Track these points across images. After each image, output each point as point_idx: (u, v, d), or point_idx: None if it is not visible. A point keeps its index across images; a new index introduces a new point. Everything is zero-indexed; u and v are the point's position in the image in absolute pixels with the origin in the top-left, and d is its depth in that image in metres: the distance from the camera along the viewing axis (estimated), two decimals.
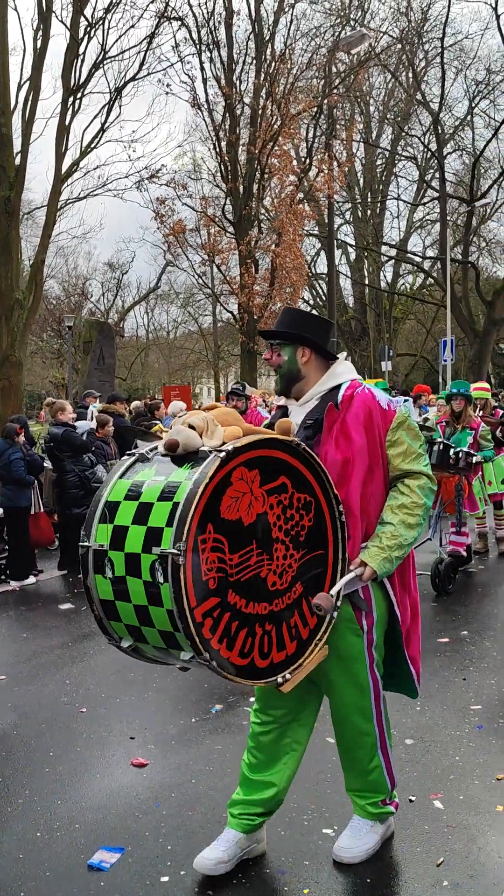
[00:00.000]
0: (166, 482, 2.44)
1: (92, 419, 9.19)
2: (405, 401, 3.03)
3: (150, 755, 3.94)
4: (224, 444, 2.43)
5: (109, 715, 4.48)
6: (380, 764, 2.99)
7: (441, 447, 6.77)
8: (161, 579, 2.30)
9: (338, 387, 2.82)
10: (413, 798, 3.44)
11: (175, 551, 2.24)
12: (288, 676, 2.58)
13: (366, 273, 35.00)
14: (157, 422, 10.44)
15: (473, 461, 6.82)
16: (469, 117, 28.89)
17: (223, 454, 2.35)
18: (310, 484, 2.64)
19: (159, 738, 4.16)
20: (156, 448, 2.60)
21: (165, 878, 2.92)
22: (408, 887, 2.84)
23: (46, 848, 3.16)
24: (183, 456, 2.47)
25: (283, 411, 2.96)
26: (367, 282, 34.44)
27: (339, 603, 2.67)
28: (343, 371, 2.87)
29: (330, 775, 3.64)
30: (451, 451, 6.75)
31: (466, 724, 4.18)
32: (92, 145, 17.39)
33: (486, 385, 9.35)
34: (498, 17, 24.09)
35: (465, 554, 7.48)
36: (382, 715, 2.99)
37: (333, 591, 2.64)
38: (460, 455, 6.73)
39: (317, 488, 2.66)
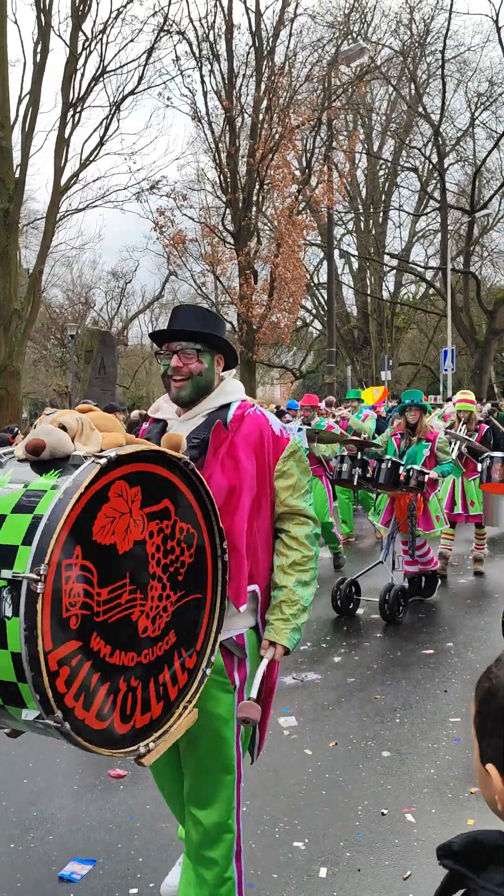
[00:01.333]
0: (25, 490, 1.91)
1: None
2: (299, 429, 2.75)
3: (128, 766, 3.96)
4: (103, 451, 1.97)
5: None
6: (233, 876, 2.39)
7: (390, 465, 6.38)
8: (8, 612, 1.76)
9: (227, 405, 2.46)
10: (385, 811, 3.46)
11: (33, 576, 1.71)
12: (151, 746, 2.05)
13: (368, 283, 35.10)
14: None
15: (426, 479, 6.35)
16: (470, 128, 29.04)
17: (103, 461, 1.88)
18: (193, 512, 2.21)
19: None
20: (12, 452, 2.12)
21: (135, 891, 2.94)
22: None
23: (19, 859, 3.19)
24: (48, 461, 1.98)
25: (163, 426, 2.52)
26: (369, 291, 34.54)
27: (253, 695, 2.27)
28: (234, 389, 2.52)
29: (305, 787, 3.67)
30: (402, 468, 6.36)
31: (444, 737, 4.19)
32: (91, 158, 17.53)
33: (471, 396, 8.61)
34: (499, 29, 24.24)
35: (423, 577, 7.02)
36: (240, 810, 2.46)
37: (253, 695, 2.25)
38: (411, 473, 6.31)
39: (200, 518, 2.23)
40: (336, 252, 29.96)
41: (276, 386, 48.99)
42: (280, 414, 14.26)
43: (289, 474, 2.48)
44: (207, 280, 24.10)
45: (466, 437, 7.73)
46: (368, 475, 6.58)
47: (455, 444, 7.70)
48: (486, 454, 6.66)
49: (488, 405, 15.53)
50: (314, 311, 34.90)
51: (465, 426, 7.96)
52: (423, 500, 6.69)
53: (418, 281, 35.23)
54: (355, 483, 6.61)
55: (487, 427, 8.24)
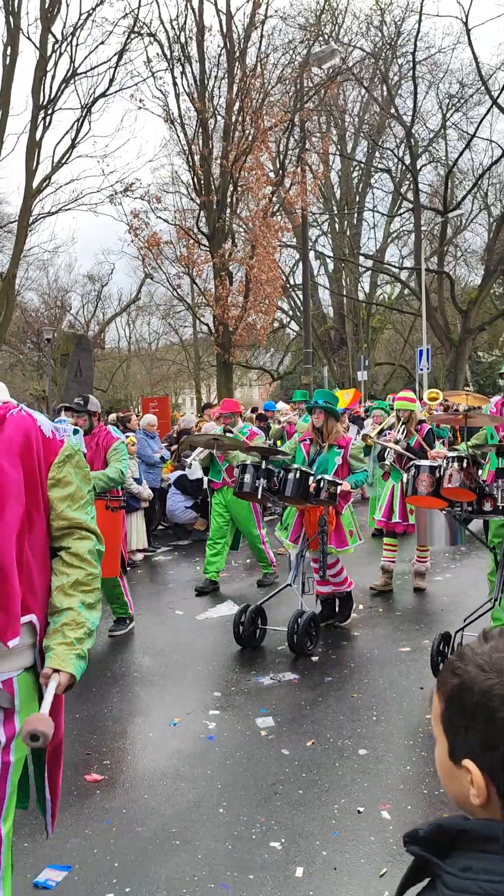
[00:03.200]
0: None
1: None
2: (75, 432, 2.23)
3: (104, 771, 3.94)
4: None
5: (65, 731, 4.46)
6: None
7: (298, 475, 5.66)
8: None
9: None
10: (361, 809, 3.47)
11: None
12: None
13: (344, 284, 35.24)
14: (131, 434, 10.45)
15: (338, 490, 5.68)
16: (442, 130, 29.26)
17: None
18: None
19: (115, 753, 4.16)
20: None
21: (110, 895, 2.93)
22: None
23: None
24: None
25: None
26: (344, 292, 34.67)
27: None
28: None
29: (282, 787, 3.67)
30: (311, 478, 5.69)
31: (420, 734, 4.22)
32: (63, 161, 17.44)
33: (411, 395, 7.69)
34: (468, 31, 24.44)
35: (336, 598, 6.38)
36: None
37: (45, 710, 1.89)
38: (322, 484, 5.63)
39: None
40: (311, 253, 30.07)
41: (255, 387, 49.04)
42: (260, 417, 14.18)
43: (65, 482, 2.16)
44: (183, 282, 24.06)
45: (395, 443, 7.07)
46: (275, 487, 5.80)
47: (388, 451, 7.10)
48: (412, 462, 5.56)
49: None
50: (290, 313, 34.96)
51: (404, 427, 7.20)
52: (336, 514, 5.98)
53: (393, 281, 35.41)
54: (259, 496, 5.83)
55: (429, 427, 7.31)
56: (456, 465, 4.86)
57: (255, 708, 4.69)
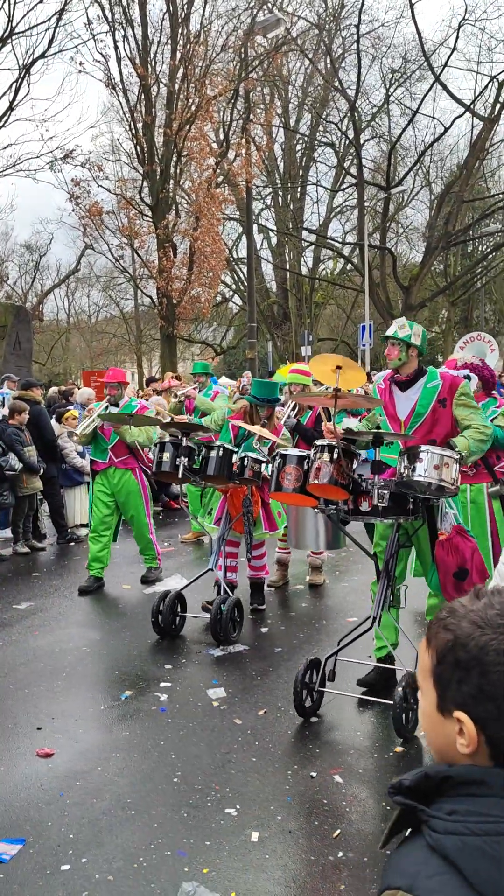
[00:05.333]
0: None
1: (4, 405, 8.97)
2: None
3: (57, 744, 3.92)
4: None
5: (16, 707, 4.42)
6: None
7: (221, 452, 5.27)
8: None
9: None
10: (314, 774, 3.54)
11: None
12: None
13: (287, 258, 35.18)
14: (71, 407, 10.28)
15: (263, 469, 5.28)
16: (385, 105, 29.31)
17: None
18: None
19: (67, 727, 4.13)
20: None
21: (66, 867, 2.92)
22: (305, 860, 2.93)
23: None
24: None
25: None
26: (288, 267, 34.63)
27: None
28: None
29: (235, 755, 3.71)
30: (235, 456, 5.32)
31: (369, 701, 4.31)
32: (0, 124, 16.85)
33: (305, 367, 6.61)
34: (412, 5, 24.43)
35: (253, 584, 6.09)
36: None
37: None
38: (245, 462, 5.26)
39: None
40: (255, 227, 29.88)
41: (198, 362, 48.70)
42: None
43: None
44: (125, 254, 23.65)
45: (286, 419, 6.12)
46: (196, 466, 5.35)
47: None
48: (276, 451, 4.47)
49: None
50: (234, 287, 34.77)
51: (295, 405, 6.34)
52: (261, 496, 5.70)
53: (336, 257, 35.52)
54: (180, 475, 5.30)
55: (322, 408, 5.92)
56: (325, 455, 3.95)
57: (206, 679, 4.72)
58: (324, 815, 3.20)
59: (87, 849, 3.02)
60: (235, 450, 5.39)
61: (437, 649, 1.03)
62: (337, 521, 4.30)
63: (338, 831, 3.08)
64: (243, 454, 5.31)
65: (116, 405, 6.81)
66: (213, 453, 5.27)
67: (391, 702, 3.87)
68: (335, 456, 3.93)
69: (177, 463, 5.30)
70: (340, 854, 2.93)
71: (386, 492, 3.90)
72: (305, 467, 4.11)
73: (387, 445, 4.32)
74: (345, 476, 3.93)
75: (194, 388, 8.39)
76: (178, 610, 5.57)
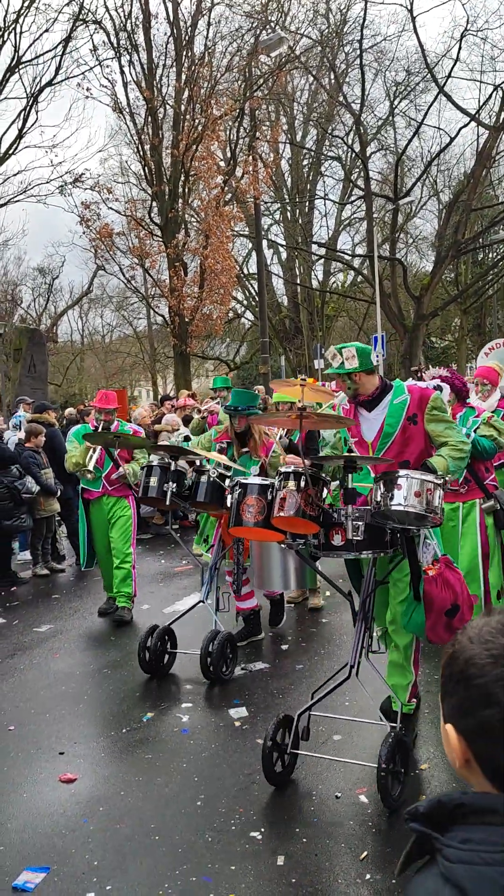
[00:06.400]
0: None
1: (20, 429, 9.02)
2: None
3: (79, 769, 3.90)
4: None
5: (39, 731, 4.41)
6: None
7: (210, 477, 4.86)
8: None
9: None
10: (339, 794, 3.50)
11: None
12: None
13: (297, 272, 35.27)
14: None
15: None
16: (390, 117, 29.42)
17: None
18: None
19: (89, 751, 4.12)
20: None
21: (91, 895, 2.90)
22: (332, 883, 2.88)
23: None
24: None
25: None
26: (298, 281, 34.72)
27: None
28: None
29: (258, 777, 3.67)
30: (227, 482, 4.80)
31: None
32: (10, 151, 17.09)
33: (290, 387, 5.63)
34: (414, 19, 24.57)
35: (253, 613, 5.72)
36: None
37: None
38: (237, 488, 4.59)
39: None
40: (264, 242, 30.02)
41: (212, 378, 48.84)
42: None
43: None
44: (136, 273, 23.82)
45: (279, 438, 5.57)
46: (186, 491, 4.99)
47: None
48: (235, 481, 4.07)
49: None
50: (245, 302, 34.91)
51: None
52: None
53: (346, 269, 35.57)
54: (168, 502, 4.94)
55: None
56: (291, 484, 3.48)
57: (227, 699, 4.69)
58: (350, 837, 3.16)
59: (111, 875, 2.99)
60: (228, 474, 4.95)
61: (443, 662, 1.06)
62: (307, 557, 3.77)
63: (365, 853, 3.04)
64: (236, 481, 4.51)
65: (108, 430, 6.52)
66: (204, 478, 4.87)
67: (374, 765, 3.37)
68: (302, 484, 3.44)
69: (164, 489, 4.95)
70: (368, 877, 2.89)
71: (360, 523, 3.39)
72: (269, 498, 3.68)
73: (357, 472, 3.66)
74: (314, 507, 3.43)
75: (217, 403, 8.14)
76: (168, 646, 5.22)
